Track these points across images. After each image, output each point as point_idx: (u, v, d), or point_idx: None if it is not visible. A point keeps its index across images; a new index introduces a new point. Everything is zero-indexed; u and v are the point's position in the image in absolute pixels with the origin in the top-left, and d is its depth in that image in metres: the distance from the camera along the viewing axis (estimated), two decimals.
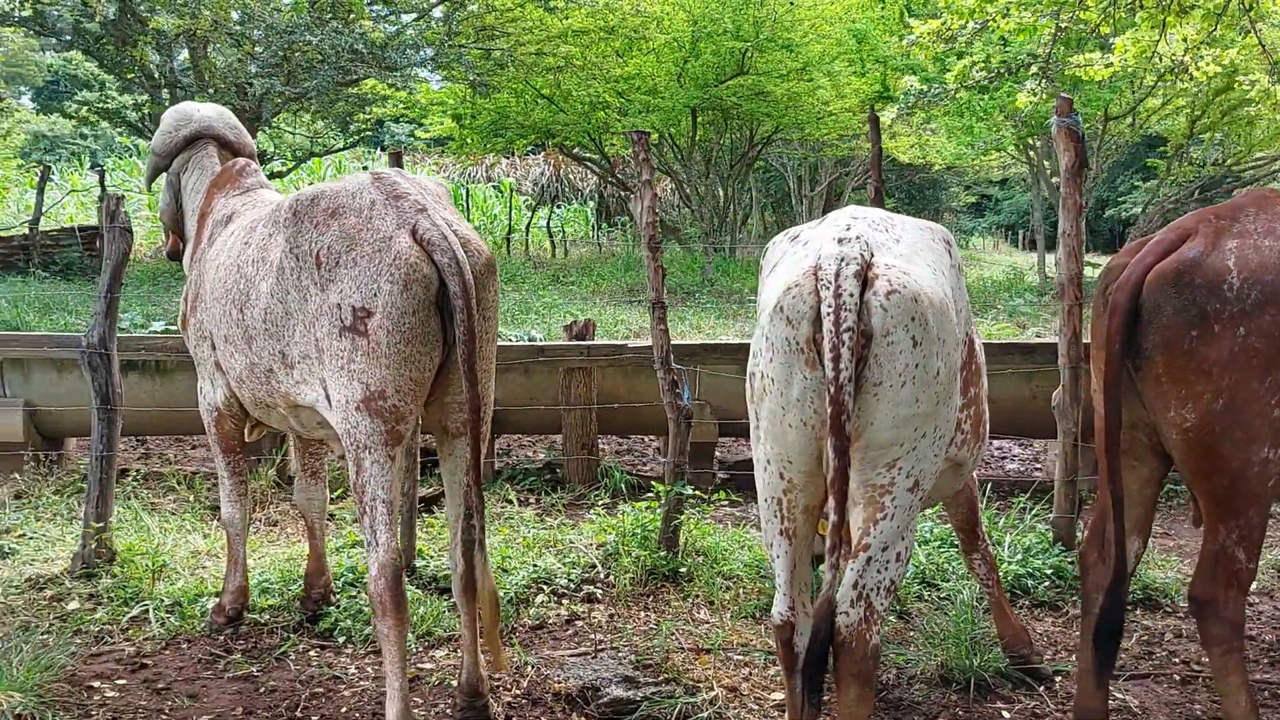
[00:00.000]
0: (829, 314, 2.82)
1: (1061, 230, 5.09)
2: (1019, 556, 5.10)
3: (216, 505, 6.18)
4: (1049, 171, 20.86)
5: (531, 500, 6.43)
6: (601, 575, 5.04)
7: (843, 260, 2.89)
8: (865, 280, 2.88)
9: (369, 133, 23.35)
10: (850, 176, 31.93)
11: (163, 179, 4.78)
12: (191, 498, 6.22)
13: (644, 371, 6.63)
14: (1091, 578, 3.57)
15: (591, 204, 34.08)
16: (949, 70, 15.58)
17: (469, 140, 22.71)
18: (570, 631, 4.54)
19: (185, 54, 18.11)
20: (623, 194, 29.72)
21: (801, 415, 2.96)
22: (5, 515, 5.80)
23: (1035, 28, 7.77)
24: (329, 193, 3.62)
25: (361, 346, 3.41)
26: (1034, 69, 8.80)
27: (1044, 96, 9.08)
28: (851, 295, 2.82)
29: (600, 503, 6.18)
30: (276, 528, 5.90)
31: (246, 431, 4.41)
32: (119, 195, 4.91)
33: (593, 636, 4.47)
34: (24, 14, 17.53)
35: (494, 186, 32.60)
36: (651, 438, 8.32)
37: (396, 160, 5.54)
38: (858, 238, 2.99)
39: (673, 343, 5.36)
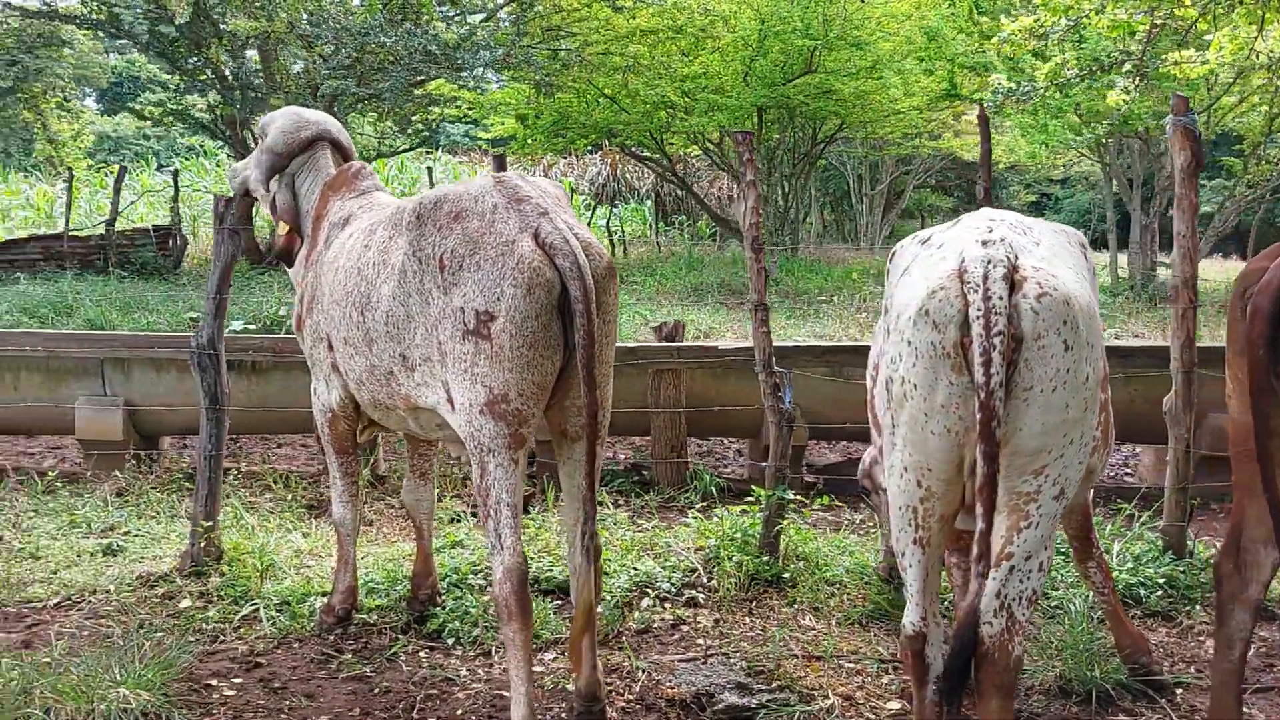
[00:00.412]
0: (979, 317, 2.76)
1: (1176, 231, 4.98)
2: (1129, 565, 5.00)
3: (313, 504, 6.24)
4: (1121, 170, 20.49)
5: (621, 502, 6.41)
6: (703, 580, 5.00)
7: (989, 262, 2.83)
8: (1012, 283, 2.83)
9: (426, 133, 23.43)
10: (911, 175, 31.69)
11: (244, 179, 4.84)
12: (289, 497, 6.27)
13: (734, 373, 6.59)
14: (1227, 588, 3.47)
15: (649, 203, 34.03)
16: (1019, 68, 15.40)
17: (530, 140, 22.76)
18: (677, 636, 4.50)
19: (254, 55, 18.32)
20: (680, 193, 29.65)
21: (945, 422, 2.91)
22: (110, 512, 5.89)
23: (1130, 25, 7.62)
24: (452, 196, 3.62)
25: (485, 350, 3.40)
26: (1127, 66, 8.63)
27: (1136, 95, 8.91)
28: (1001, 298, 2.77)
29: (696, 506, 6.13)
30: (372, 527, 5.93)
31: (358, 432, 4.42)
32: (227, 198, 4.94)
33: (700, 642, 4.43)
34: (99, 17, 17.83)
35: None
36: (731, 440, 8.28)
37: (500, 163, 5.55)
38: (1001, 240, 2.93)
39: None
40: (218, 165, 28.13)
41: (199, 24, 16.44)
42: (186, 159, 30.56)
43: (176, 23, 16.44)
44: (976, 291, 2.79)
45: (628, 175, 34.07)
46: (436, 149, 35.26)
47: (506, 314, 3.37)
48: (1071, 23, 7.80)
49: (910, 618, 3.17)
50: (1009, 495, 2.90)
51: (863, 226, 31.45)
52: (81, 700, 3.55)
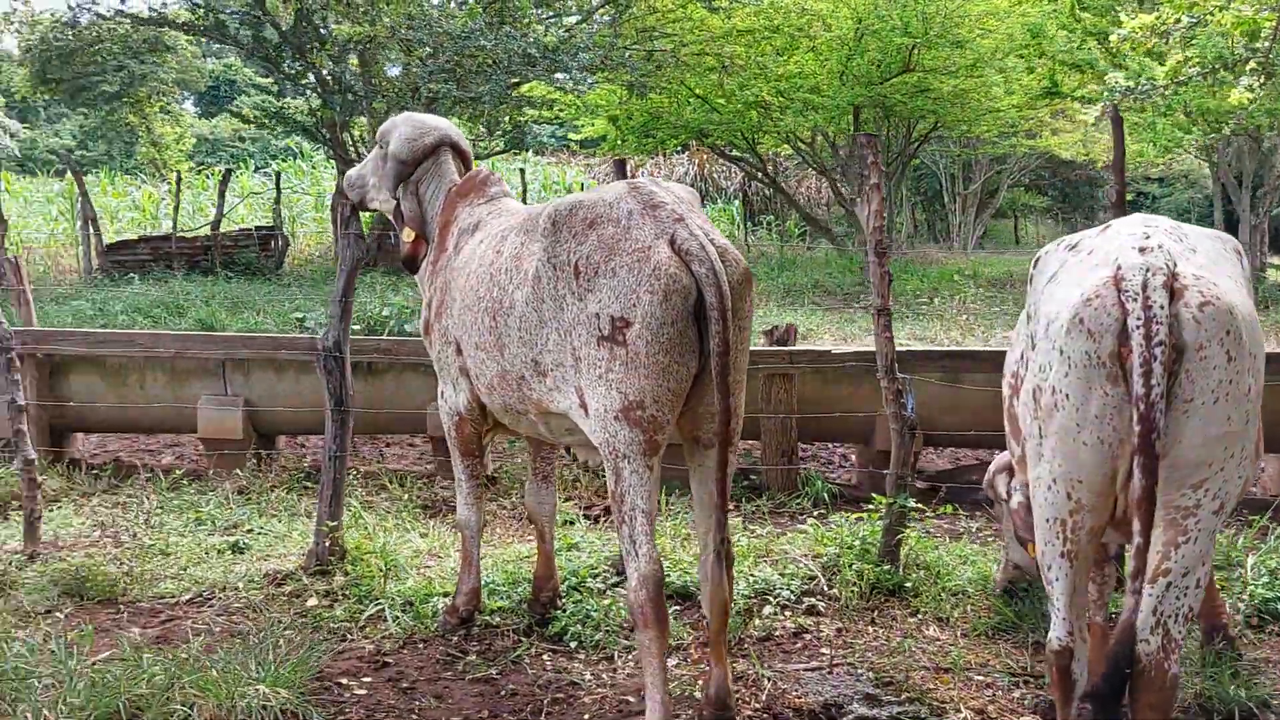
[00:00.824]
0: (1138, 327, 2.70)
1: None
2: (1264, 579, 4.83)
3: (427, 504, 6.32)
4: (1227, 168, 19.91)
5: (731, 507, 6.36)
6: (823, 587, 4.95)
7: (1148, 270, 2.77)
8: (1172, 291, 2.76)
9: (516, 135, 23.61)
10: (1005, 174, 31.15)
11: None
12: (405, 496, 6.35)
13: (848, 378, 6.52)
14: None
15: (736, 202, 33.90)
16: (1123, 65, 15.00)
17: (621, 141, 22.83)
18: (799, 645, 4.46)
19: (354, 59, 18.63)
20: (768, 192, 29.48)
21: (1099, 433, 2.84)
22: (233, 510, 6.02)
23: (1256, 21, 7.37)
24: (587, 202, 3.63)
25: (620, 356, 3.41)
26: (1251, 64, 8.36)
27: (1260, 94, 8.62)
28: (1162, 307, 2.70)
29: (810, 512, 6.08)
30: (486, 529, 5.96)
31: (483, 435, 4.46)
32: (352, 204, 5.00)
33: (824, 651, 4.38)
34: (204, 24, 18.28)
35: None
36: (835, 444, 8.20)
37: (619, 167, 5.56)
38: (1159, 247, 2.86)
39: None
40: (313, 167, 28.66)
41: (301, 29, 16.76)
42: (283, 161, 31.22)
43: (281, 28, 16.78)
44: (1136, 300, 2.73)
45: (715, 174, 33.97)
46: (525, 150, 35.51)
47: (643, 320, 3.37)
48: (1194, 20, 7.57)
49: (1056, 633, 3.10)
50: (1167, 509, 2.82)
51: (955, 227, 30.99)
52: (223, 696, 3.62)
